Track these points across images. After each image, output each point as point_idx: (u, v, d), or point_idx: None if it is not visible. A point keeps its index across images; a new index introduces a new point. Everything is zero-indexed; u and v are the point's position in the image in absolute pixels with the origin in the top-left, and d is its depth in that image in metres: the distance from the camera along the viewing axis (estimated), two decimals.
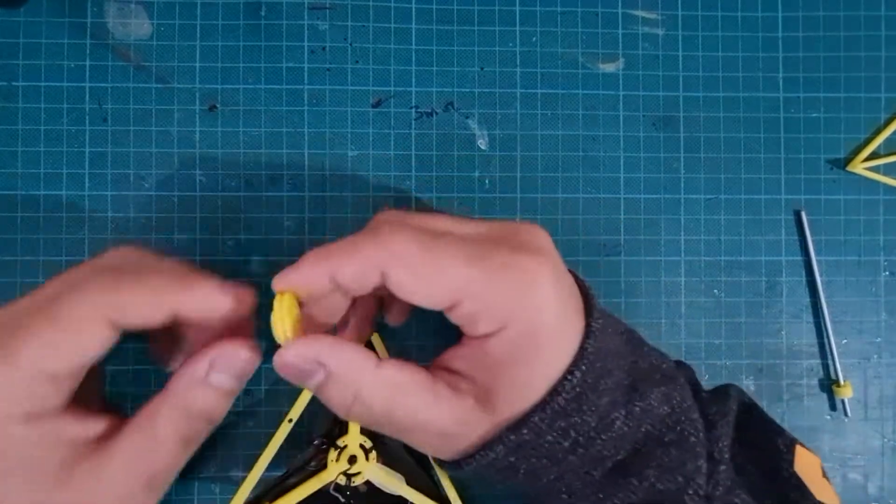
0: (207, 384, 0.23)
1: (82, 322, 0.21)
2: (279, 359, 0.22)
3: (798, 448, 0.26)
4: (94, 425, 0.22)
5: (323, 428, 0.30)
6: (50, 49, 0.33)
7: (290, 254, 0.33)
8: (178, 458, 0.23)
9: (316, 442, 0.29)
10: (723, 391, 0.27)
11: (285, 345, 0.22)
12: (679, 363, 0.28)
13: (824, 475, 0.26)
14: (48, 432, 0.21)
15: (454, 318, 0.22)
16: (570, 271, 0.25)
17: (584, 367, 0.22)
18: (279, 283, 0.23)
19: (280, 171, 0.34)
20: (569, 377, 0.22)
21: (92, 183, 0.33)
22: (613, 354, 0.24)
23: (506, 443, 0.22)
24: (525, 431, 0.22)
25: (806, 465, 0.26)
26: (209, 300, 0.23)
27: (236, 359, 0.23)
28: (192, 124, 0.33)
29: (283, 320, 0.22)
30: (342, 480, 0.28)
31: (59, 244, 0.33)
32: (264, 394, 0.33)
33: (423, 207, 0.23)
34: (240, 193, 0.33)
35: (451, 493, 0.29)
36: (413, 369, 0.23)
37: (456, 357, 0.23)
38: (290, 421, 0.30)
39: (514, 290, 0.21)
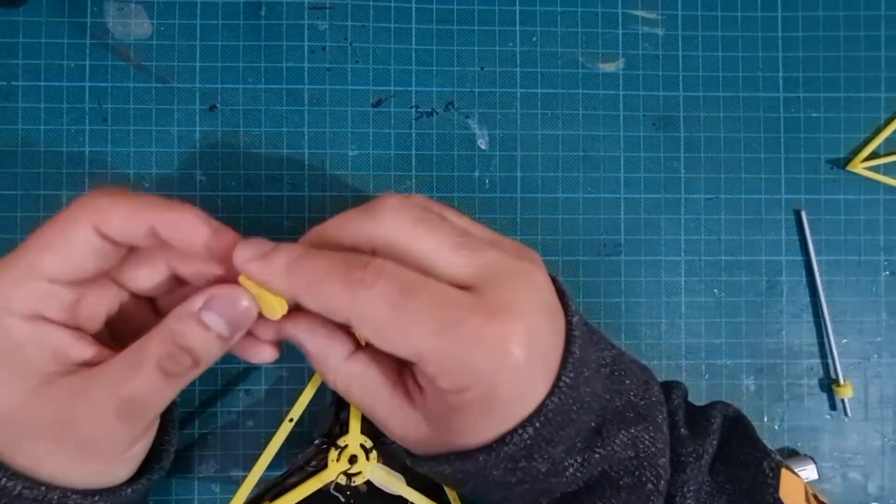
0: (198, 320, 0.22)
1: (69, 224, 0.22)
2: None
3: (784, 472, 0.26)
4: (89, 349, 0.23)
5: (324, 428, 0.30)
6: (50, 49, 0.33)
7: None
8: (157, 389, 0.22)
9: (316, 441, 0.29)
10: (707, 416, 0.27)
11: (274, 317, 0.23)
12: (669, 385, 0.28)
13: (810, 498, 0.26)
14: (42, 335, 0.22)
15: (414, 369, 0.22)
16: (561, 299, 0.24)
17: (537, 424, 0.22)
18: (249, 272, 0.23)
19: (280, 171, 0.34)
20: (520, 431, 0.22)
21: (92, 183, 0.33)
22: (583, 400, 0.23)
23: (451, 464, 0.23)
24: (469, 463, 0.22)
25: (791, 490, 0.25)
26: (187, 222, 0.23)
27: (232, 303, 0.23)
28: (192, 124, 0.33)
29: (268, 298, 0.22)
30: (342, 480, 0.28)
31: None
32: (264, 394, 0.33)
33: (419, 213, 0.22)
34: (240, 193, 0.33)
35: (452, 494, 0.29)
36: (382, 367, 0.23)
37: (422, 373, 0.22)
38: (291, 420, 0.29)
39: (479, 362, 0.21)
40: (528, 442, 0.22)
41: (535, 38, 0.35)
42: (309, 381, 0.30)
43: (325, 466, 0.28)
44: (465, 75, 0.34)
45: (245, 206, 0.33)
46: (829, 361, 0.35)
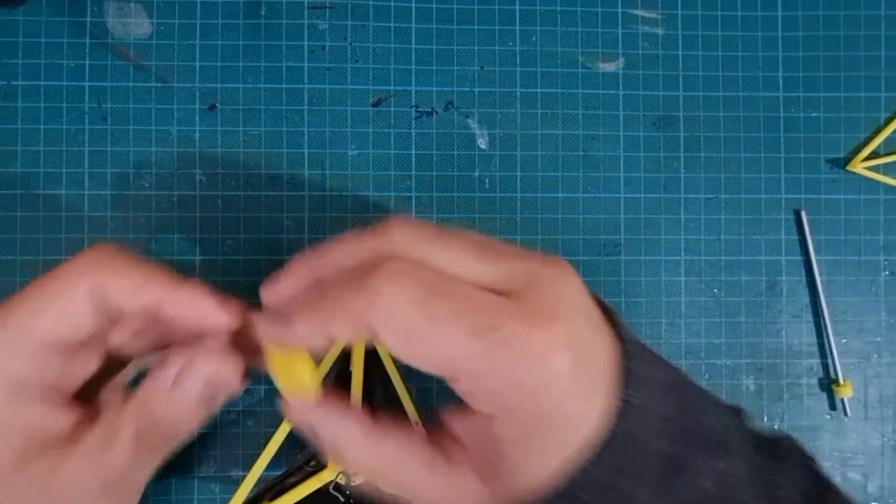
0: (175, 389, 0.21)
1: (65, 289, 0.21)
2: (284, 409, 0.22)
3: None
4: (64, 418, 0.21)
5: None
6: (49, 48, 0.33)
7: (291, 253, 0.33)
8: (137, 464, 0.21)
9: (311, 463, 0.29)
10: (783, 454, 0.23)
11: (286, 400, 0.22)
12: (732, 409, 0.23)
13: None
14: (20, 412, 0.20)
15: (450, 385, 0.20)
16: (608, 316, 0.22)
17: (603, 451, 0.19)
18: (274, 339, 0.21)
19: (280, 171, 0.33)
20: (590, 467, 0.19)
21: (91, 182, 0.33)
22: (653, 423, 0.20)
23: None
24: None
25: None
26: (196, 303, 0.22)
27: (208, 366, 0.21)
28: (192, 123, 0.33)
29: (286, 381, 0.21)
30: (342, 479, 0.28)
31: (58, 244, 0.33)
32: (264, 393, 0.33)
33: (436, 230, 0.21)
34: (240, 193, 0.33)
35: None
36: (409, 439, 0.21)
37: (459, 422, 0.20)
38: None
39: (521, 373, 0.18)
40: (600, 481, 0.19)
41: (534, 38, 0.35)
42: None
43: (324, 466, 0.28)
44: (464, 75, 0.34)
45: (245, 206, 0.33)
46: (829, 361, 0.35)
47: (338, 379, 0.31)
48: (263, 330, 0.21)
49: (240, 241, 0.33)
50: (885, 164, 0.35)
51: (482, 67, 0.35)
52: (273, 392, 0.33)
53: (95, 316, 0.21)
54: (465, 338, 0.18)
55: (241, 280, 0.33)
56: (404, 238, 0.20)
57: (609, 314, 0.22)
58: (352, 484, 0.28)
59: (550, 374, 0.18)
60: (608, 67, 0.35)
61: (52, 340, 0.21)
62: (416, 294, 0.18)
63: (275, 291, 0.22)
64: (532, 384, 0.18)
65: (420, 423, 0.30)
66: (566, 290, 0.20)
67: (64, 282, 0.21)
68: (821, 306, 0.35)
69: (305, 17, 0.34)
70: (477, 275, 0.20)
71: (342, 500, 0.28)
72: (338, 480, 0.28)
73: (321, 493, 0.28)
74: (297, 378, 0.21)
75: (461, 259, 0.20)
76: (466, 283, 0.19)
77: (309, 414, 0.21)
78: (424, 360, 0.19)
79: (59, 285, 0.21)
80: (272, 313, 0.21)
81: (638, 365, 0.20)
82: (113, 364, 0.24)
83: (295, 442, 0.30)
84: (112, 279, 0.21)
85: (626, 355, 0.20)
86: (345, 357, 0.31)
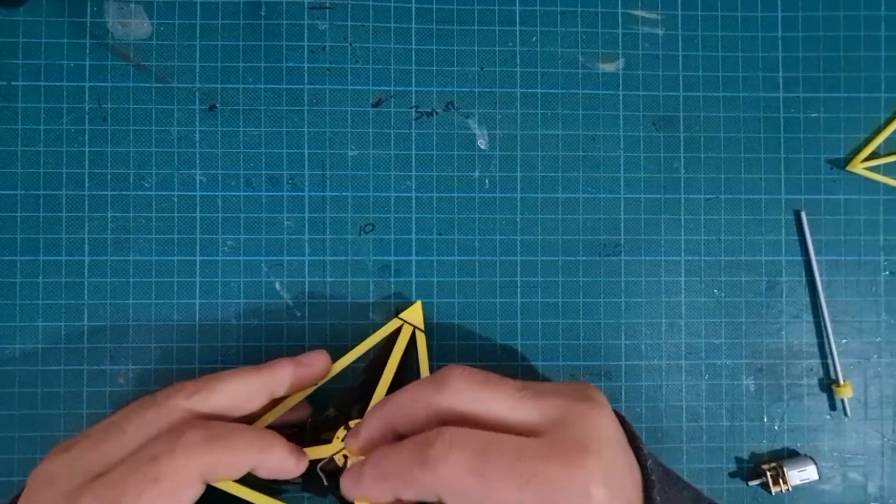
0: None
1: (181, 482, 0.23)
2: None
3: None
4: None
5: (342, 404, 0.30)
6: (49, 48, 0.33)
7: (290, 254, 0.33)
8: None
9: (330, 412, 0.29)
10: None
11: None
12: None
13: None
14: None
15: None
16: (632, 442, 0.25)
17: None
18: (354, 496, 0.24)
19: (280, 171, 0.34)
20: None
21: (92, 183, 0.33)
22: None
23: None
24: None
25: None
26: (283, 462, 0.25)
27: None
28: (192, 124, 0.33)
29: None
30: (340, 461, 0.27)
31: (58, 244, 0.33)
32: None
33: (480, 379, 0.24)
34: (240, 193, 0.33)
35: None
36: None
37: None
38: (316, 385, 0.29)
39: None
40: None
41: (534, 38, 0.35)
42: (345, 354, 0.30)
43: (329, 441, 0.28)
44: (464, 75, 0.34)
45: (245, 206, 0.33)
46: (829, 361, 0.35)
47: (370, 370, 0.31)
48: (347, 488, 0.25)
49: (240, 241, 0.33)
50: (885, 165, 0.35)
51: (482, 68, 0.35)
52: None
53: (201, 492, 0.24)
54: (516, 490, 0.21)
55: (241, 280, 0.33)
56: (460, 389, 0.24)
57: (634, 440, 0.25)
58: (339, 467, 0.28)
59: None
60: (608, 68, 0.35)
61: None
62: (470, 462, 0.22)
63: (357, 440, 0.26)
64: None
65: None
66: (595, 424, 0.23)
67: (172, 478, 0.23)
68: (821, 306, 0.35)
69: (305, 17, 0.34)
70: (519, 419, 0.23)
71: (325, 483, 0.28)
72: (336, 461, 0.27)
73: (313, 467, 0.28)
74: None
75: (506, 404, 0.24)
76: (509, 434, 0.23)
77: None
78: None
79: (166, 484, 0.23)
80: (353, 474, 0.25)
81: (657, 494, 0.23)
82: None
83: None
84: (215, 466, 0.24)
85: (649, 485, 0.24)
86: (381, 348, 0.31)
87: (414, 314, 0.32)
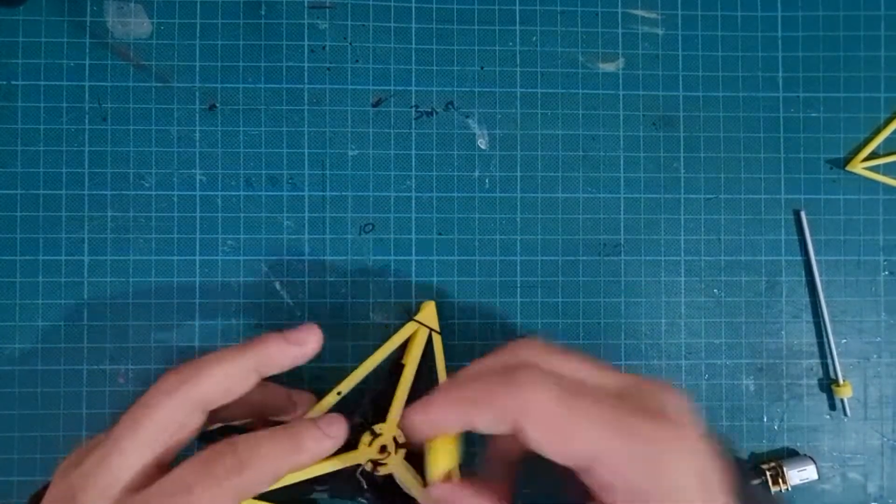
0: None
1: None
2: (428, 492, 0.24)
3: None
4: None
5: (365, 409, 0.30)
6: (49, 48, 0.33)
7: (290, 253, 0.33)
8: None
9: (356, 420, 0.29)
10: None
11: (431, 484, 0.24)
12: None
13: None
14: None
15: (585, 480, 0.21)
16: (714, 441, 0.24)
17: None
18: (419, 427, 0.23)
19: (280, 171, 0.33)
20: None
21: (91, 182, 0.33)
22: None
23: None
24: None
25: None
26: (319, 450, 0.25)
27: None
28: (192, 123, 0.33)
29: (435, 465, 0.24)
30: (369, 467, 0.28)
31: (58, 243, 0.33)
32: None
33: (557, 347, 0.24)
34: (239, 193, 0.33)
35: None
36: None
37: (594, 482, 0.21)
38: (339, 394, 0.29)
39: (655, 466, 0.20)
40: None
41: (534, 38, 0.35)
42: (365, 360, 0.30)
43: (354, 447, 0.28)
44: (464, 75, 0.34)
45: (245, 206, 0.33)
46: (829, 361, 0.35)
47: (390, 374, 0.31)
48: (412, 419, 0.23)
49: (240, 241, 0.33)
50: (885, 164, 0.35)
51: (482, 67, 0.35)
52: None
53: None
54: (602, 430, 0.20)
55: (241, 280, 0.33)
56: (533, 353, 0.23)
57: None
58: (378, 473, 0.28)
59: (683, 468, 0.20)
60: (608, 67, 0.35)
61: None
62: (559, 393, 0.21)
63: (421, 423, 0.24)
64: (668, 476, 0.20)
65: None
66: (680, 404, 0.22)
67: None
68: (821, 306, 0.35)
69: (305, 16, 0.34)
70: (598, 385, 0.22)
71: (364, 486, 0.28)
72: (365, 467, 0.28)
73: (345, 472, 0.28)
74: (443, 462, 0.24)
75: (583, 371, 0.23)
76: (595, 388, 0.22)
77: (450, 495, 0.23)
78: (566, 453, 0.21)
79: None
80: (419, 403, 0.23)
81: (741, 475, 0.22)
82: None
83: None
84: (253, 486, 0.24)
85: (730, 469, 0.22)
86: (399, 349, 0.31)
87: (428, 316, 0.32)
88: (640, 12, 0.35)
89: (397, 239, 0.34)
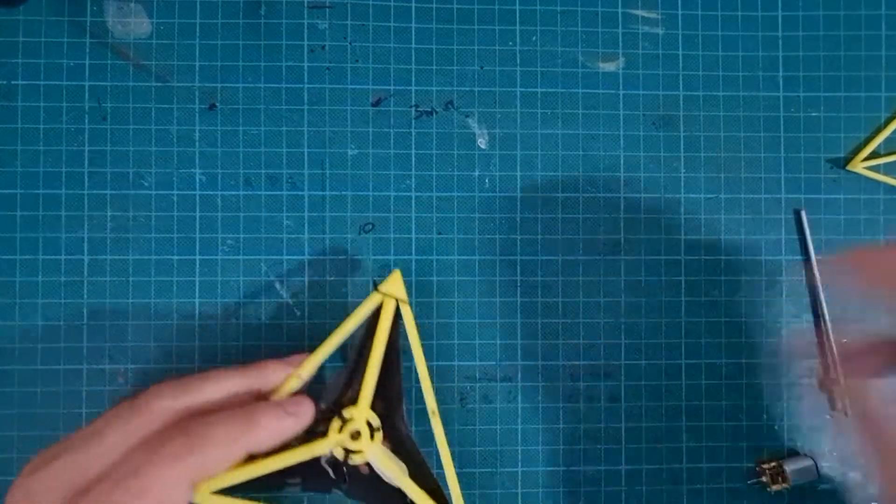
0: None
1: (170, 492, 0.22)
2: None
3: None
4: None
5: (333, 395, 0.28)
6: (49, 48, 0.33)
7: (290, 253, 0.33)
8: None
9: (322, 407, 0.27)
10: None
11: None
12: None
13: None
14: None
15: None
16: None
17: None
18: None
19: (279, 170, 0.33)
20: None
21: (91, 182, 0.33)
22: None
23: None
24: None
25: None
26: (278, 428, 0.25)
27: None
28: (192, 123, 0.33)
29: None
30: (340, 455, 0.26)
31: (58, 243, 0.33)
32: None
33: None
34: (239, 192, 0.33)
35: (456, 499, 0.27)
36: None
37: None
38: (299, 377, 0.27)
39: None
40: None
41: (534, 38, 0.35)
42: (326, 340, 0.28)
43: (324, 434, 0.26)
44: (464, 74, 0.34)
45: (245, 206, 0.33)
46: (829, 362, 0.35)
47: (354, 355, 0.29)
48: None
49: (240, 241, 0.33)
50: (885, 164, 0.35)
51: (482, 67, 0.34)
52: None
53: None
54: None
55: (240, 280, 0.33)
56: None
57: None
58: (352, 462, 0.26)
59: None
60: (608, 67, 0.35)
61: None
62: None
63: None
64: None
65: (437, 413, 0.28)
66: None
67: (160, 490, 0.23)
68: (821, 306, 0.35)
69: (305, 16, 0.34)
70: None
71: (332, 476, 0.26)
72: (336, 455, 0.26)
73: (312, 462, 0.26)
74: None
75: None
76: None
77: None
78: None
79: (154, 497, 0.23)
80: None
81: None
82: None
83: None
84: (200, 462, 0.23)
85: None
86: (364, 327, 0.29)
87: (394, 285, 0.28)
88: (640, 12, 0.35)
89: (397, 239, 0.34)
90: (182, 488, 0.23)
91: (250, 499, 0.25)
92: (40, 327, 0.32)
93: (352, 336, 0.29)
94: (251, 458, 0.25)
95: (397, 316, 0.29)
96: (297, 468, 0.26)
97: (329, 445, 0.26)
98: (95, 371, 0.32)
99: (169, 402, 0.24)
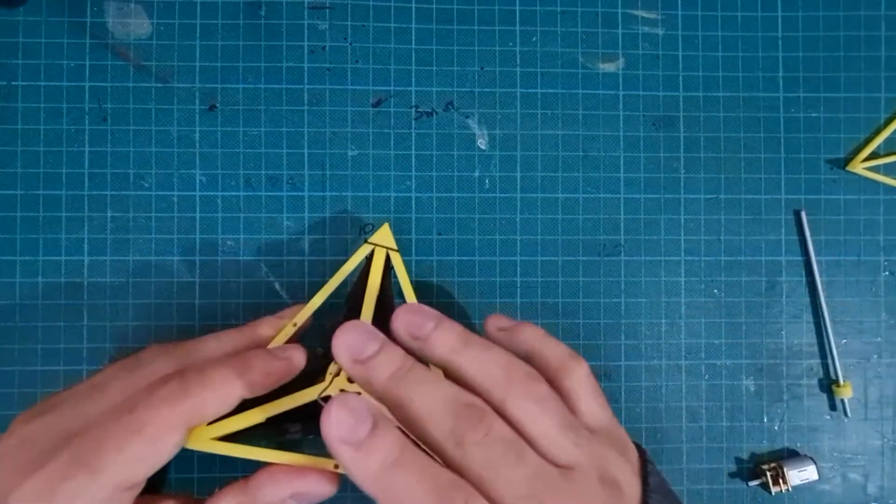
0: None
1: (165, 432, 0.22)
2: None
3: None
4: None
5: (327, 340, 0.28)
6: (49, 48, 0.33)
7: (290, 254, 0.33)
8: None
9: (318, 351, 0.28)
10: None
11: None
12: None
13: None
14: None
15: None
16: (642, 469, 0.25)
17: None
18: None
19: (280, 171, 0.33)
20: None
21: (91, 183, 0.33)
22: None
23: None
24: None
25: None
26: (271, 371, 0.25)
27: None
28: (192, 124, 0.33)
29: None
30: (333, 392, 0.26)
31: (58, 244, 0.33)
32: None
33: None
34: (239, 193, 0.33)
35: None
36: None
37: None
38: (294, 325, 0.28)
39: None
40: None
41: (534, 38, 0.35)
42: (320, 289, 0.29)
43: (322, 380, 0.27)
44: (464, 75, 0.34)
45: (245, 206, 0.33)
46: (829, 362, 0.35)
47: (348, 303, 0.30)
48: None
49: (240, 241, 0.33)
50: (885, 165, 0.35)
51: (482, 68, 0.35)
52: None
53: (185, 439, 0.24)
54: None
55: (241, 280, 0.33)
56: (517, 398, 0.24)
57: (644, 468, 0.25)
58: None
59: None
60: (608, 67, 0.35)
61: (147, 476, 0.23)
62: (501, 448, 0.22)
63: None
64: None
65: None
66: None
67: (154, 428, 0.22)
68: (821, 306, 0.35)
69: (305, 17, 0.34)
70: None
71: (322, 403, 0.26)
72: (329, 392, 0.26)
73: (311, 407, 0.26)
74: None
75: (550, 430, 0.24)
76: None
77: None
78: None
79: (149, 435, 0.22)
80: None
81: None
82: None
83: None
84: (196, 403, 0.23)
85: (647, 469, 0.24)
86: (358, 278, 0.30)
87: (383, 237, 0.30)
88: (640, 12, 0.35)
89: (397, 239, 0.34)
90: (176, 430, 0.23)
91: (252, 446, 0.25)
92: (40, 328, 0.32)
93: (349, 290, 0.30)
94: (250, 407, 0.26)
95: (389, 266, 0.30)
96: (296, 414, 0.26)
97: (330, 388, 0.26)
98: (95, 372, 0.32)
99: (168, 357, 0.25)
